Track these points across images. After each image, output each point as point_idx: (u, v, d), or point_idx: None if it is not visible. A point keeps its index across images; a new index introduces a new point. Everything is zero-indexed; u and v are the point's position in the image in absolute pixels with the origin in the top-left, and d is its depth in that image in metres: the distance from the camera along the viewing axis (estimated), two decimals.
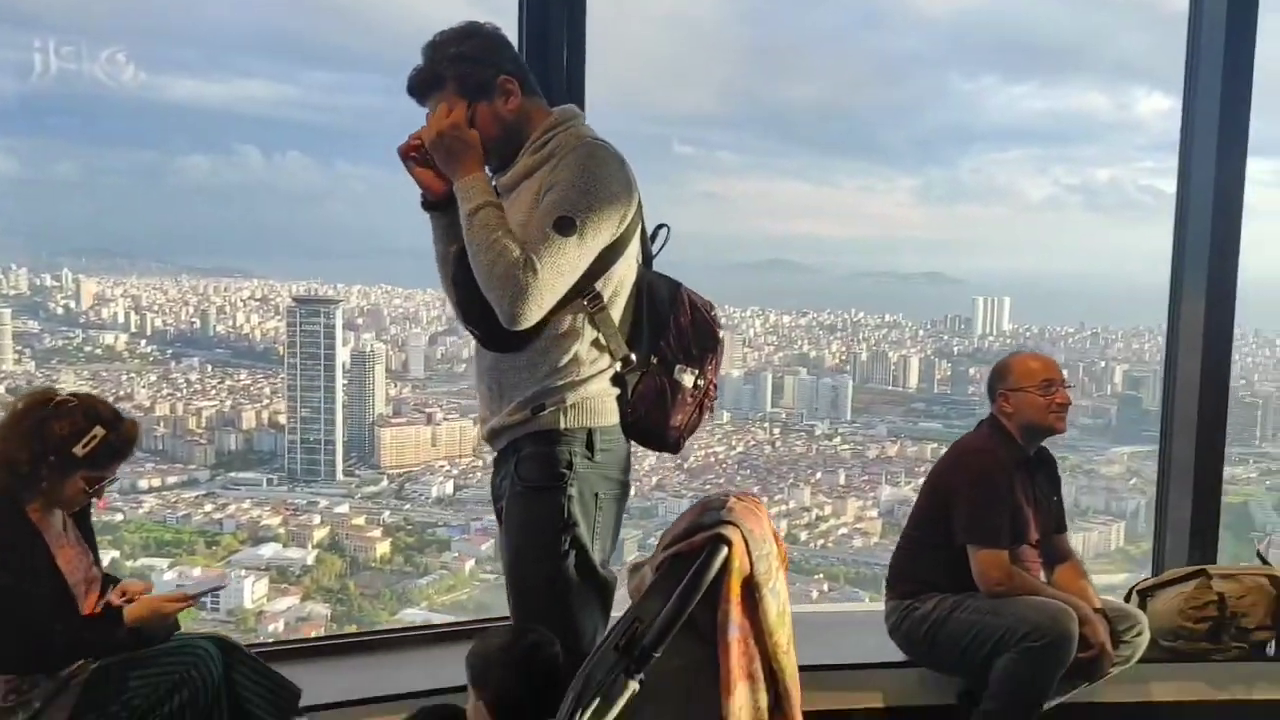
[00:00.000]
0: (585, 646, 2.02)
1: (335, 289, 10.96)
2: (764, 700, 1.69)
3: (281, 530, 9.80)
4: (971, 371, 10.57)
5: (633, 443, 2.31)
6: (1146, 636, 3.28)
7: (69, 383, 9.35)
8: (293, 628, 6.91)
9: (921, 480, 3.46)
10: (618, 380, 2.24)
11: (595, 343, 2.22)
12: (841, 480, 10.73)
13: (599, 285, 2.20)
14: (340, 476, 10.04)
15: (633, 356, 2.24)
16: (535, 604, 2.17)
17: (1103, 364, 11.59)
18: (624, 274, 2.27)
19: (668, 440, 2.29)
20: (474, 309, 2.18)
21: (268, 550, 9.13)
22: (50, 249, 10.36)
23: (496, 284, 2.09)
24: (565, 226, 2.09)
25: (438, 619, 5.89)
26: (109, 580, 2.81)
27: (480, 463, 10.73)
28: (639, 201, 2.27)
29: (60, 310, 10.06)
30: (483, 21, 2.33)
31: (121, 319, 10.24)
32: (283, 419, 10.26)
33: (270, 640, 4.78)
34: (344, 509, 9.95)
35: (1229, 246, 4.02)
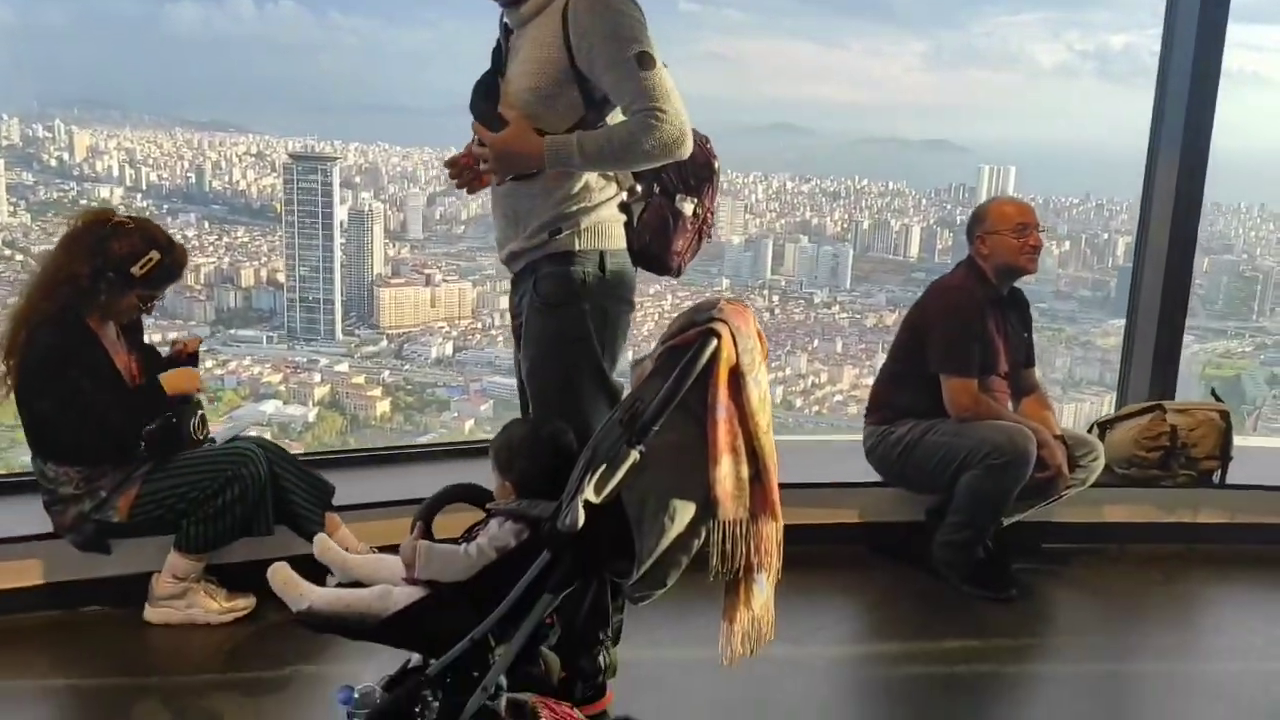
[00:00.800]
0: None
1: (332, 146, 11.06)
2: (745, 472, 2.01)
3: (282, 388, 10.15)
4: None
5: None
6: (1101, 462, 3.67)
7: None
8: None
9: None
10: (624, 209, 2.55)
11: (602, 172, 2.47)
12: (839, 348, 11.06)
13: (606, 118, 2.47)
14: (340, 336, 10.35)
15: (638, 187, 2.55)
16: (552, 406, 2.48)
17: (1105, 236, 11.78)
18: None
19: (669, 265, 2.59)
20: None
21: (269, 407, 9.50)
22: (41, 99, 10.40)
23: (655, 158, 2.33)
24: (645, 61, 2.29)
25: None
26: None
27: (479, 325, 11.05)
28: None
29: (54, 162, 10.19)
30: None
31: (116, 173, 10.37)
32: (281, 277, 10.52)
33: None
34: (344, 368, 10.30)
35: (1204, 117, 4.26)
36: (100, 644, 2.98)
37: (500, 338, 10.34)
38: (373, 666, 2.20)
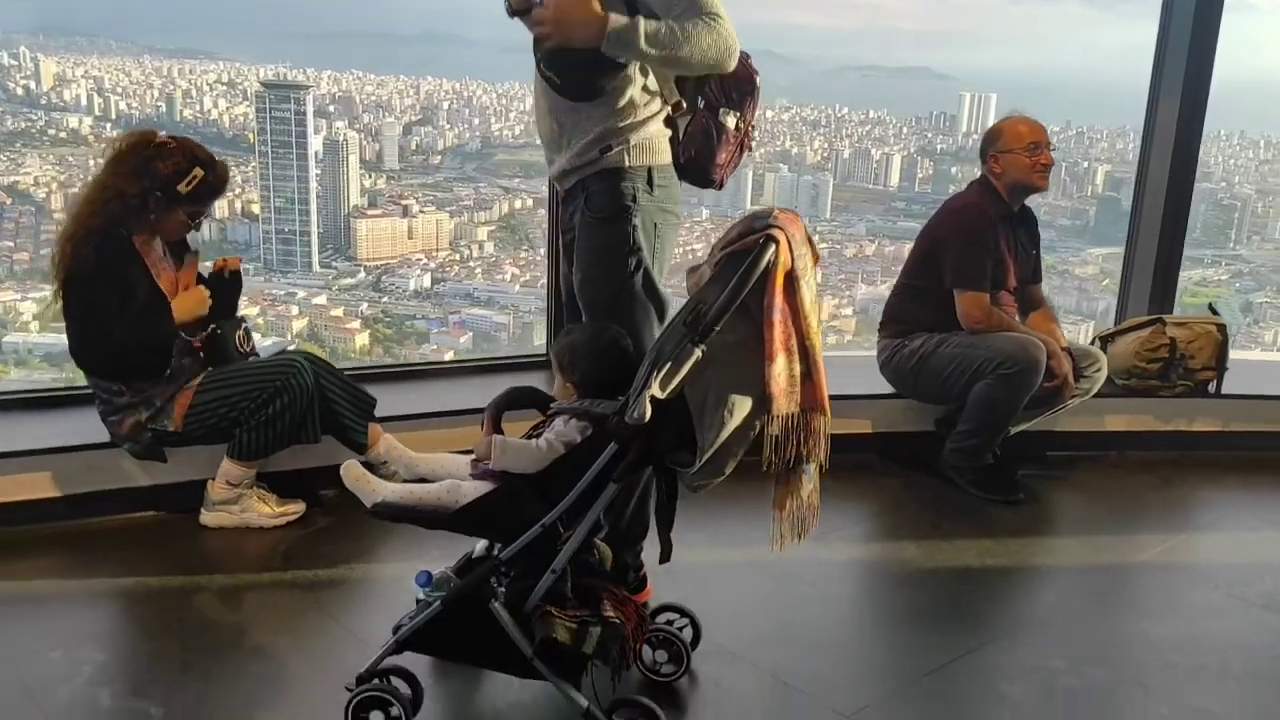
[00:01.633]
0: (646, 349, 2.53)
1: (305, 74, 10.95)
2: (798, 369, 2.20)
3: (260, 320, 10.17)
4: (954, 170, 10.88)
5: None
6: (1104, 373, 3.92)
7: (34, 167, 9.55)
8: None
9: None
10: (670, 124, 2.70)
11: (645, 88, 2.58)
12: (818, 278, 11.24)
13: None
14: (317, 268, 10.36)
15: (683, 102, 2.69)
16: (605, 315, 2.61)
17: (1085, 164, 11.95)
18: None
19: (713, 178, 2.73)
20: (555, 59, 2.50)
21: None
22: (3, 24, 10.22)
23: (708, 62, 2.42)
24: None
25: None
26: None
27: (457, 256, 11.09)
28: None
29: (20, 91, 10.05)
30: None
31: (85, 101, 10.25)
32: (256, 208, 10.47)
33: None
34: (321, 300, 10.32)
35: (1207, 46, 4.52)
36: (163, 545, 3.18)
37: (479, 270, 10.40)
38: (420, 564, 2.34)
